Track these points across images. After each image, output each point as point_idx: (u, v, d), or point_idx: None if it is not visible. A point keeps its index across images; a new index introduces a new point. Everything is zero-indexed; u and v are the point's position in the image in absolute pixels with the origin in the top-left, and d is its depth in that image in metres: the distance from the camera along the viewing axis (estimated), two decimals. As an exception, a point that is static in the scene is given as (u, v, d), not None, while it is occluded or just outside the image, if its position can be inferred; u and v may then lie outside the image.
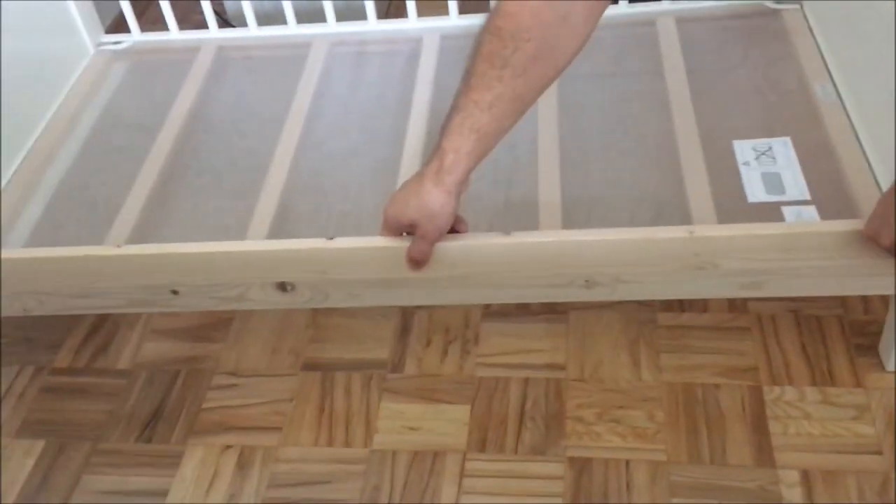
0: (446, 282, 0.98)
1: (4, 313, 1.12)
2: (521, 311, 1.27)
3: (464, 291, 1.00)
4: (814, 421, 1.09)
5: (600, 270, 0.97)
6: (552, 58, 0.81)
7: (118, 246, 1.07)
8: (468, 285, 0.98)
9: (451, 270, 0.96)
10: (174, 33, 1.56)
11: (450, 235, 0.95)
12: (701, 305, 1.24)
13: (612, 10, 1.47)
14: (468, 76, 0.83)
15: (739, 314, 1.22)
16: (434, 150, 0.87)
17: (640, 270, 0.97)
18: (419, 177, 0.88)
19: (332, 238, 0.99)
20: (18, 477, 1.16)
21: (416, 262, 0.95)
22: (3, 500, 1.14)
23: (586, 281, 0.98)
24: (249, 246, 1.03)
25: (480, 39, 0.81)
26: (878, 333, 1.15)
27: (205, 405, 1.21)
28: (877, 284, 0.98)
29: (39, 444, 1.20)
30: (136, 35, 1.58)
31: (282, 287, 1.01)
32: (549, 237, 0.97)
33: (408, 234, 0.95)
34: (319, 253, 0.98)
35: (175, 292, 1.04)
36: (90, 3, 1.55)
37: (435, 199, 0.87)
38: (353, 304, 1.02)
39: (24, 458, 1.19)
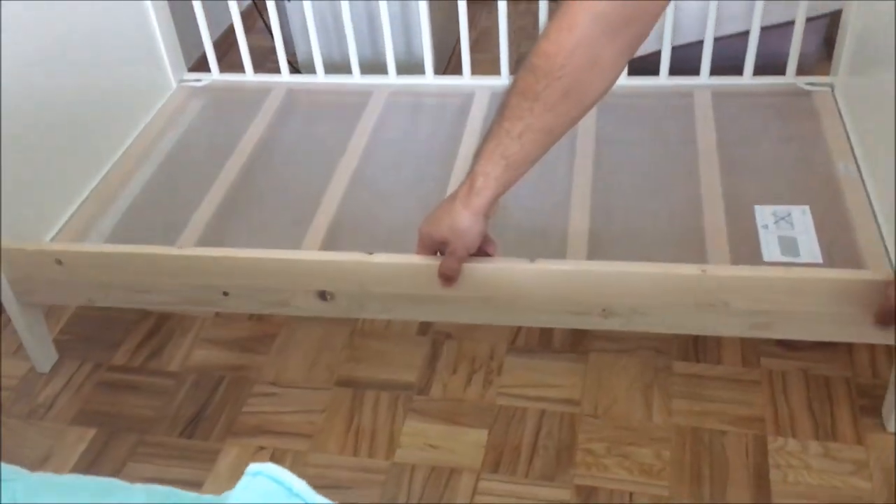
0: (473, 301, 1.07)
1: (72, 303, 1.23)
2: (544, 347, 1.35)
3: (488, 312, 1.09)
4: (813, 472, 1.14)
5: (617, 301, 1.05)
6: (580, 96, 0.91)
7: (179, 248, 1.19)
8: (492, 306, 1.07)
9: (477, 291, 1.06)
10: (249, 75, 1.72)
11: (478, 257, 1.04)
12: (715, 357, 1.31)
13: (652, 81, 1.58)
14: (502, 108, 0.93)
15: (752, 368, 1.29)
16: (468, 173, 0.97)
17: (655, 303, 1.05)
18: (451, 198, 0.98)
19: (371, 253, 1.09)
20: (69, 460, 1.27)
21: (447, 277, 1.05)
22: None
23: (603, 310, 1.06)
24: (296, 255, 1.14)
25: (517, 76, 0.92)
26: (883, 396, 1.20)
27: (244, 409, 1.31)
28: (881, 334, 1.04)
29: (91, 433, 1.30)
30: (215, 74, 1.73)
31: (322, 296, 1.11)
32: (571, 266, 1.06)
33: (440, 253, 1.05)
34: (359, 266, 1.08)
35: (226, 293, 1.15)
36: (177, 43, 1.71)
37: (464, 219, 0.97)
38: (386, 316, 1.11)
39: (77, 443, 1.29)
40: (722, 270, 1.04)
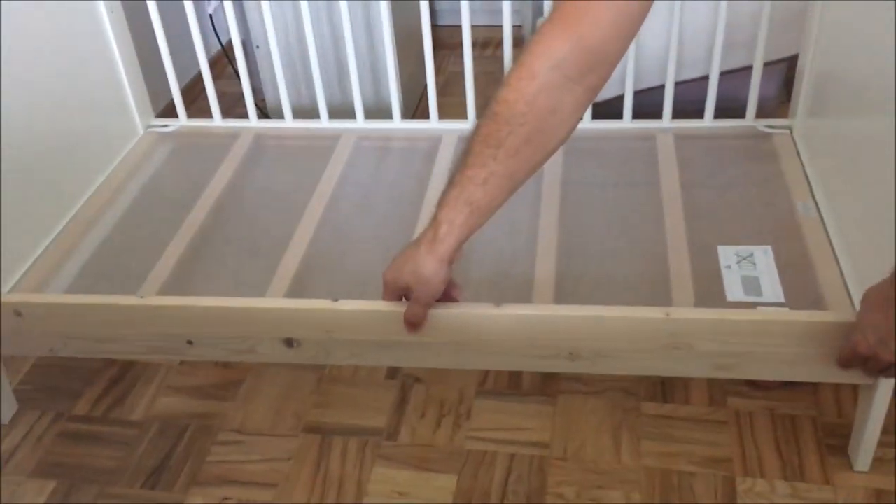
0: (440, 346, 1.07)
1: (34, 354, 1.21)
2: (513, 389, 1.35)
3: (456, 356, 1.08)
4: (782, 512, 1.14)
5: (583, 344, 1.05)
6: (543, 142, 0.92)
7: (140, 297, 1.18)
8: (460, 351, 1.07)
9: (444, 336, 1.05)
10: (217, 121, 1.72)
11: (444, 302, 1.04)
12: (683, 397, 1.31)
13: (615, 124, 1.60)
14: (465, 155, 0.94)
15: (719, 408, 1.29)
16: (431, 220, 0.97)
17: (619, 347, 1.05)
18: (415, 244, 0.98)
19: (336, 300, 1.09)
20: (28, 513, 1.24)
21: (412, 324, 1.04)
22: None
23: (570, 353, 1.06)
24: (261, 303, 1.13)
25: (479, 123, 0.93)
26: (849, 435, 1.21)
27: (208, 458, 1.29)
28: (842, 374, 1.05)
29: (51, 485, 1.27)
30: (182, 120, 1.74)
31: (288, 343, 1.10)
32: (536, 311, 1.07)
33: (406, 299, 1.05)
34: (325, 313, 1.08)
35: (190, 342, 1.14)
36: (144, 89, 1.71)
37: (428, 266, 0.96)
38: (354, 363, 1.11)
39: (37, 496, 1.26)
40: (685, 313, 1.05)
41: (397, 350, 1.08)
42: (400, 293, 1.04)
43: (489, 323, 1.05)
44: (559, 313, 1.06)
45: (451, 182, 0.94)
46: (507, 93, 0.89)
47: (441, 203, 0.95)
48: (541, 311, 1.07)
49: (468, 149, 0.93)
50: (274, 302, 1.15)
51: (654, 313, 1.04)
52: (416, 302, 1.02)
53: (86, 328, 1.18)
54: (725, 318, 1.03)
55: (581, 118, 0.93)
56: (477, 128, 0.92)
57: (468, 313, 1.05)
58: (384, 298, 1.06)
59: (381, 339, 1.08)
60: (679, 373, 1.10)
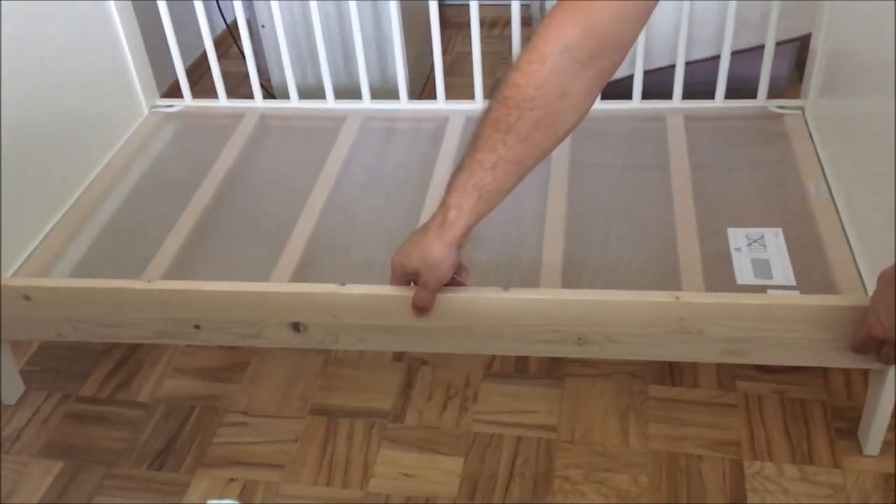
0: (447, 331, 1.06)
1: (41, 338, 1.21)
2: (520, 373, 1.34)
3: (463, 341, 1.07)
4: (790, 496, 1.13)
5: (592, 329, 1.04)
6: (553, 127, 0.91)
7: (148, 281, 1.17)
8: (467, 336, 1.06)
9: (451, 320, 1.04)
10: (222, 101, 1.70)
11: (452, 287, 1.03)
12: (691, 381, 1.30)
13: (625, 105, 1.58)
14: (475, 139, 0.92)
15: (728, 391, 1.28)
16: (440, 205, 0.96)
17: (629, 331, 1.04)
18: (424, 229, 0.97)
19: (344, 284, 1.08)
20: (35, 495, 1.24)
21: (420, 309, 1.04)
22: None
23: (579, 338, 1.05)
24: (268, 287, 1.13)
25: (489, 107, 0.91)
26: (859, 419, 1.20)
27: (215, 440, 1.29)
28: (854, 359, 1.04)
29: (58, 465, 1.27)
30: (188, 101, 1.72)
31: (295, 327, 1.09)
32: (544, 294, 1.06)
33: (414, 283, 1.04)
34: (332, 297, 1.07)
35: (197, 327, 1.13)
36: (149, 69, 1.70)
37: (437, 251, 0.96)
38: (361, 347, 1.10)
39: (43, 477, 1.26)
40: (695, 297, 1.04)
41: (404, 335, 1.08)
42: (408, 278, 1.03)
43: (497, 307, 1.04)
44: (568, 297, 1.05)
45: (461, 166, 0.93)
46: (517, 76, 0.88)
47: (450, 187, 0.94)
48: (549, 296, 1.06)
49: (478, 132, 0.92)
50: (280, 286, 1.14)
51: (663, 297, 1.03)
52: (424, 287, 1.01)
53: (94, 312, 1.18)
54: (736, 302, 1.02)
55: (592, 103, 0.92)
56: (487, 111, 0.91)
57: (476, 297, 1.04)
58: (392, 283, 1.05)
59: (388, 323, 1.07)
60: (689, 358, 1.09)
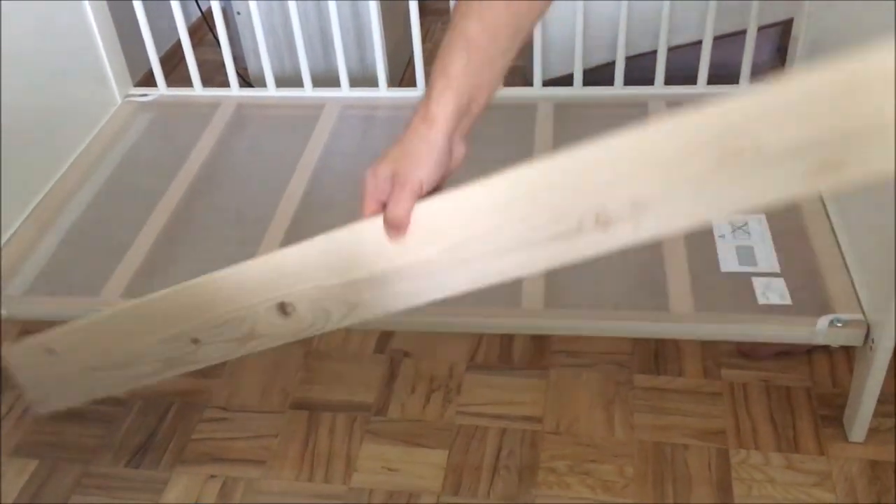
0: (437, 262, 0.78)
1: (42, 410, 1.17)
2: (504, 363, 1.32)
3: (464, 271, 0.78)
4: (777, 485, 1.13)
5: (613, 195, 0.70)
6: None
7: (120, 297, 1.10)
8: (462, 259, 0.77)
9: (438, 239, 0.76)
10: (198, 90, 1.67)
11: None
12: (676, 369, 1.29)
13: (607, 91, 1.57)
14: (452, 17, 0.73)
15: (713, 380, 1.27)
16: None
17: (663, 179, 0.68)
18: (407, 125, 0.74)
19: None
20: (9, 495, 1.21)
21: (394, 226, 0.76)
22: (-8, 514, 1.18)
23: (597, 215, 0.71)
24: (241, 268, 1.05)
25: None
26: (844, 406, 1.19)
27: (194, 436, 1.26)
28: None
29: (33, 464, 1.24)
30: (162, 89, 1.69)
31: (282, 309, 1.04)
32: (543, 163, 0.73)
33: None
34: (305, 258, 0.96)
35: (195, 341, 1.07)
36: (121, 57, 1.66)
37: (420, 139, 0.71)
38: (353, 321, 0.99)
39: (17, 476, 1.23)
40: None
41: (400, 282, 0.81)
42: (382, 193, 0.76)
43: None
44: (570, 155, 0.72)
45: (442, 45, 0.73)
46: None
47: (433, 69, 0.74)
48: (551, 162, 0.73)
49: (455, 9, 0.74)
50: (255, 264, 1.08)
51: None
52: (400, 189, 0.73)
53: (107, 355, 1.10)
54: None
55: None
56: None
57: (455, 195, 0.74)
58: (364, 206, 0.78)
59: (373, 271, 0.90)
60: (760, 199, 0.66)
